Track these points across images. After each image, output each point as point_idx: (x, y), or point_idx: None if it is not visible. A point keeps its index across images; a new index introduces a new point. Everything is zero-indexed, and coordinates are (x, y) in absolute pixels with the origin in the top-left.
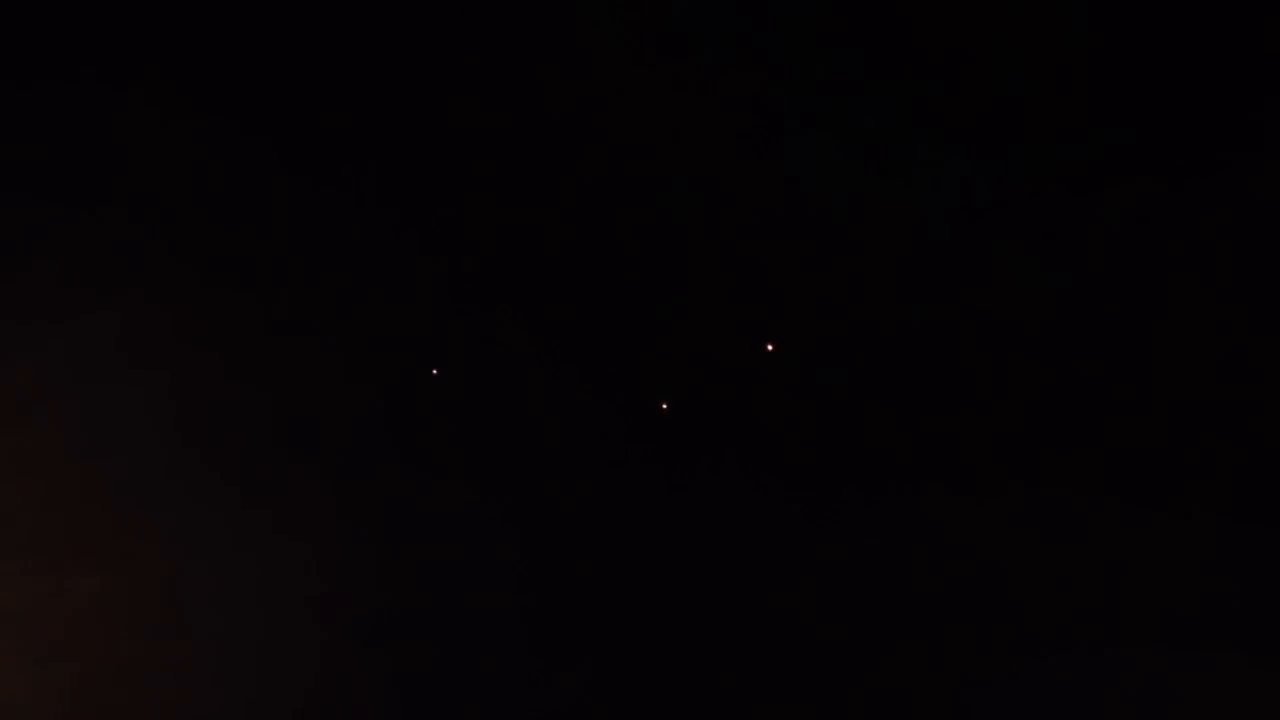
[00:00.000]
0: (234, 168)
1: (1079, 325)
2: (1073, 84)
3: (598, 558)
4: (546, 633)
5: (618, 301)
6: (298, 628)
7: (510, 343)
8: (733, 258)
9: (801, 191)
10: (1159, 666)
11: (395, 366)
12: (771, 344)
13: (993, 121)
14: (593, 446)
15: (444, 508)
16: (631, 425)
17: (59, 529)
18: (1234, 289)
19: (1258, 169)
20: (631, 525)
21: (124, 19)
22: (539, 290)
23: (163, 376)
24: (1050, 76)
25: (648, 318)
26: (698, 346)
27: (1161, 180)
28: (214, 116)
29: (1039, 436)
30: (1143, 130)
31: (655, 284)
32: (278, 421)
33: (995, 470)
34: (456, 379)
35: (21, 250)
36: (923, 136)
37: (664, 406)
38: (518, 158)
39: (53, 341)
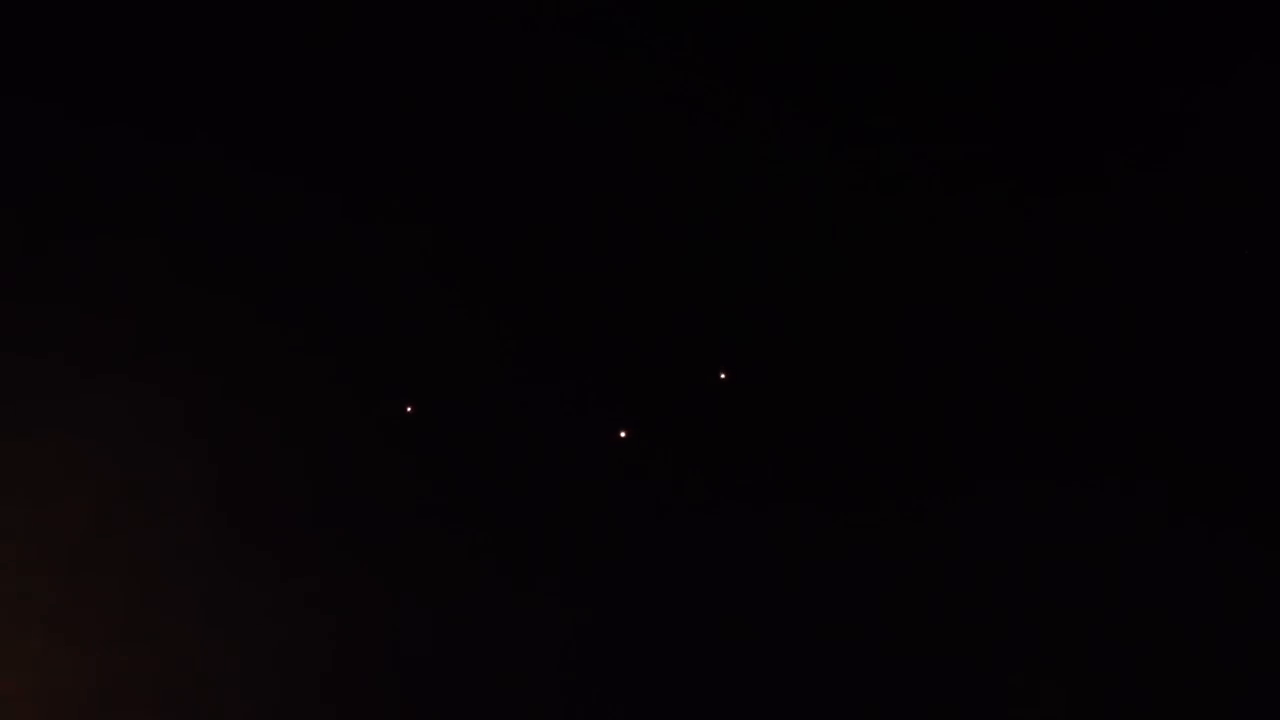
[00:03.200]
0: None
1: (1030, 348)
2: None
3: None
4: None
5: (576, 327)
6: (323, 704)
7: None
8: (686, 286)
9: (759, 214)
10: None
11: (424, 437)
12: (724, 373)
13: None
14: (562, 473)
15: (473, 580)
16: (589, 453)
17: (84, 604)
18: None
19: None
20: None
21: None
22: (496, 322)
23: (193, 450)
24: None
25: (605, 343)
26: (654, 374)
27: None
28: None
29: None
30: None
31: (610, 310)
32: (309, 494)
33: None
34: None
35: (56, 321)
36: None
37: (622, 435)
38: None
39: (82, 416)
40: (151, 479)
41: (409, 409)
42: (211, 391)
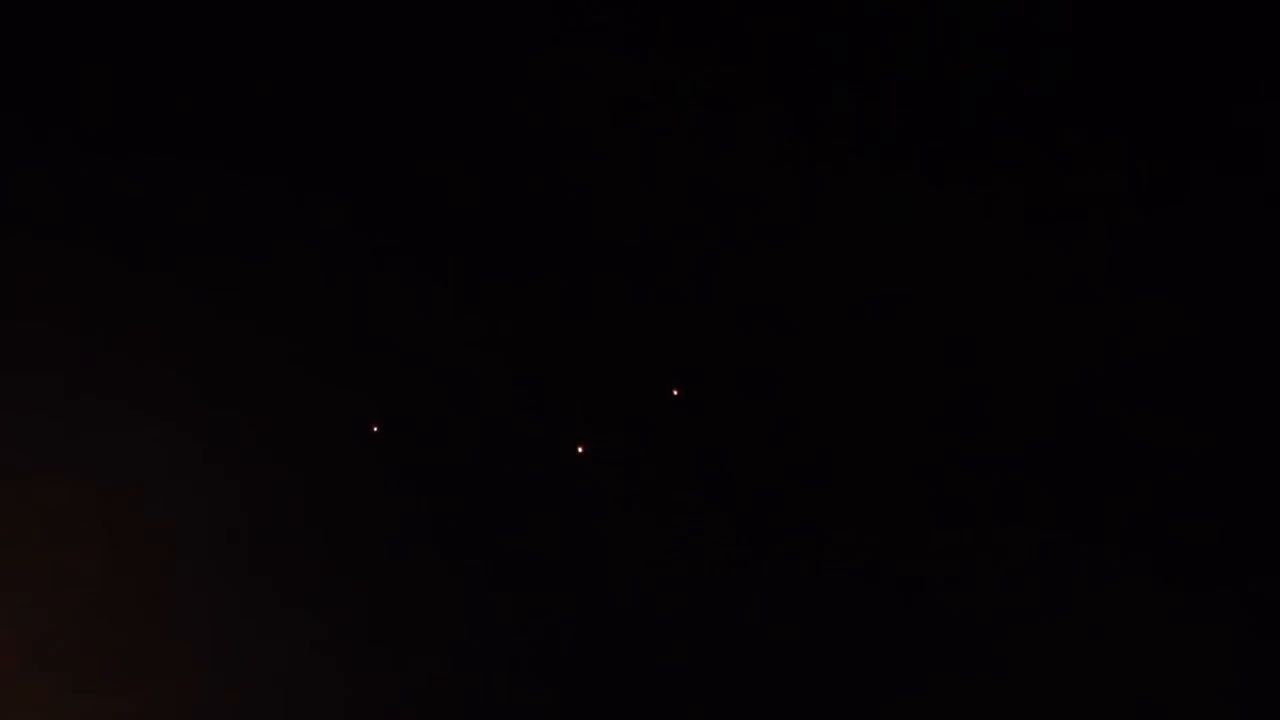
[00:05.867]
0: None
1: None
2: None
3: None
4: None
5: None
6: None
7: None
8: (641, 303)
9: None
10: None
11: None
12: (676, 390)
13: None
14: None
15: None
16: (552, 466)
17: (97, 647)
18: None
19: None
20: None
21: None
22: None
23: (210, 493)
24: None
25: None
26: (609, 389)
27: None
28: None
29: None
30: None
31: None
32: (323, 537)
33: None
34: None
35: (65, 368)
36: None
37: (580, 449)
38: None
39: (97, 459)
40: (166, 522)
41: (374, 429)
42: (228, 434)
